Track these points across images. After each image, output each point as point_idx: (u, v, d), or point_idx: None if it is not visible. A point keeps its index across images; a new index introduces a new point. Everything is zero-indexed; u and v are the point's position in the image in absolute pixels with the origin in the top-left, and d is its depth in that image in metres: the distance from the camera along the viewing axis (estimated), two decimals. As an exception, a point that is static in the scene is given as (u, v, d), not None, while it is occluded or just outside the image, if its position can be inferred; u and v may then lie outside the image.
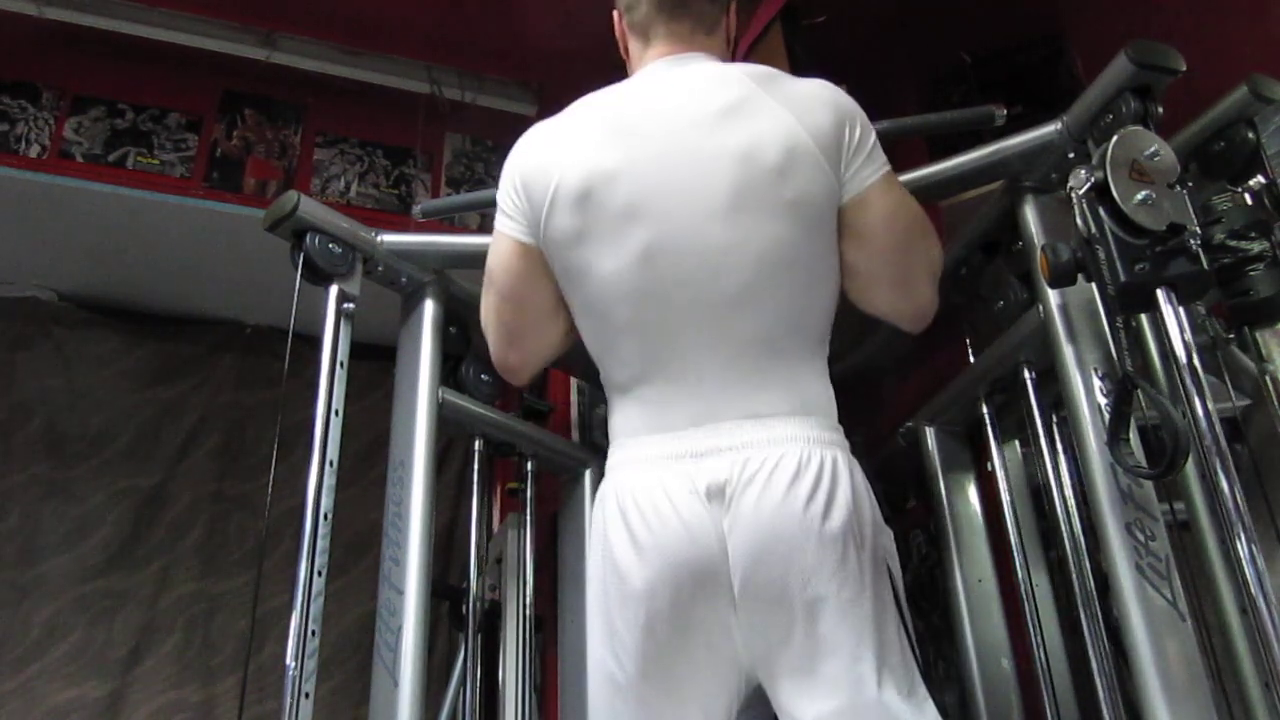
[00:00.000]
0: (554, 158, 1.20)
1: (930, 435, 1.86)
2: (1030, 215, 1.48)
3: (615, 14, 1.33)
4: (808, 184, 1.14)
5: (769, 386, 1.14)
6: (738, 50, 2.16)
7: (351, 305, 1.58)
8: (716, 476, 1.08)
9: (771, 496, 1.06)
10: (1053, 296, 1.39)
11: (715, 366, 1.14)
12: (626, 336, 1.19)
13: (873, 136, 1.20)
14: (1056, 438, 1.54)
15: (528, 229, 1.23)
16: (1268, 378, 1.37)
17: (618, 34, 1.34)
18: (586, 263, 1.18)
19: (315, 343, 1.52)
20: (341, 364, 1.52)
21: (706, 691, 1.10)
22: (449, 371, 1.76)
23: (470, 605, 1.81)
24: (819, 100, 1.18)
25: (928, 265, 1.24)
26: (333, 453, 1.46)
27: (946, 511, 1.80)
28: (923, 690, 1.09)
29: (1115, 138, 1.15)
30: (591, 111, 1.24)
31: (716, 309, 1.14)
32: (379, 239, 1.67)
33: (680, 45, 1.26)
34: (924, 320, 1.26)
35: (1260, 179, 1.39)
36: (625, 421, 1.20)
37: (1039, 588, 1.65)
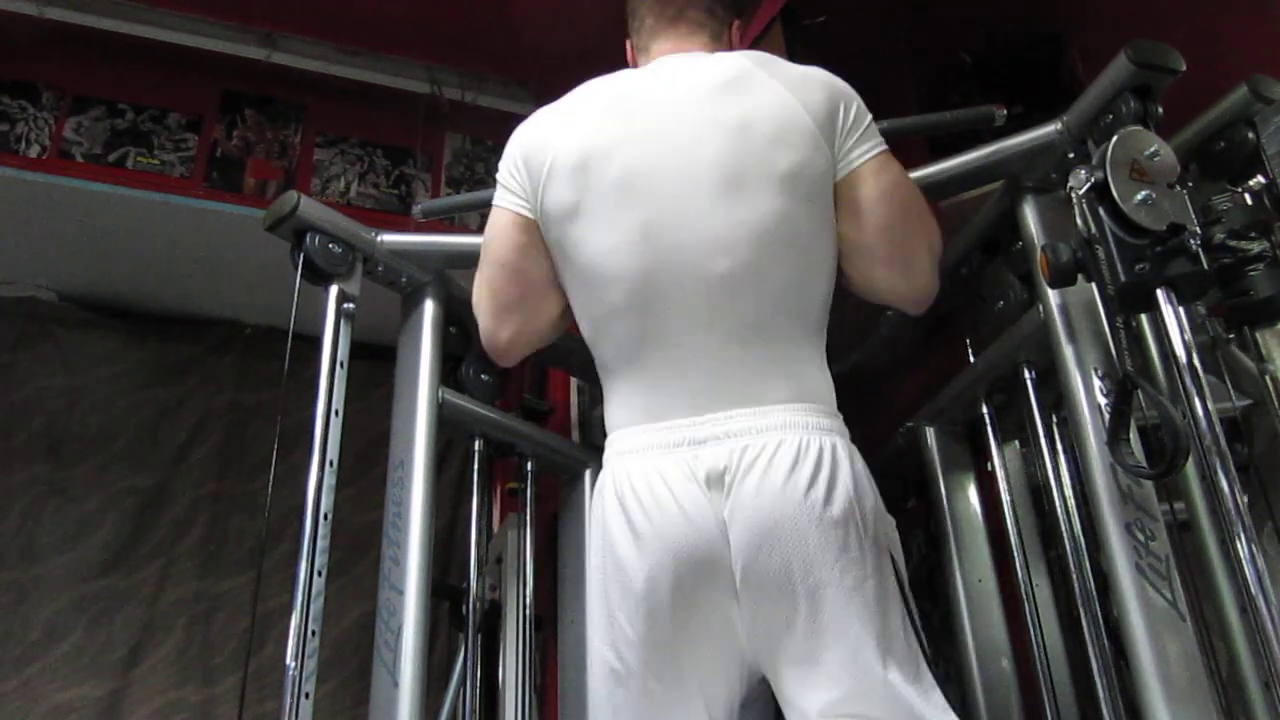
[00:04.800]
0: (553, 132, 1.23)
1: (930, 435, 1.86)
2: (1030, 215, 1.48)
3: (628, 43, 1.37)
4: (804, 157, 1.14)
5: (766, 372, 1.13)
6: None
7: (351, 305, 1.58)
8: (715, 464, 1.08)
9: (772, 483, 1.06)
10: (1053, 296, 1.38)
11: (711, 351, 1.14)
12: (620, 318, 1.18)
13: (868, 118, 1.21)
14: (1056, 438, 1.54)
15: (526, 202, 1.24)
16: (1268, 378, 1.37)
17: (630, 58, 1.38)
18: (581, 238, 1.19)
19: (315, 343, 1.52)
20: (341, 364, 1.52)
21: (709, 682, 1.09)
22: (449, 371, 1.75)
23: (470, 605, 1.81)
24: (815, 80, 1.20)
25: (927, 243, 1.24)
26: (333, 453, 1.46)
27: (946, 511, 1.80)
28: (929, 677, 1.08)
29: (1115, 138, 1.15)
30: (592, 91, 1.27)
31: (713, 290, 1.13)
32: (379, 239, 1.67)
33: (680, 45, 1.29)
34: (924, 302, 1.26)
35: (1260, 179, 1.39)
36: (620, 410, 1.20)
37: (1039, 588, 1.65)
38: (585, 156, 1.17)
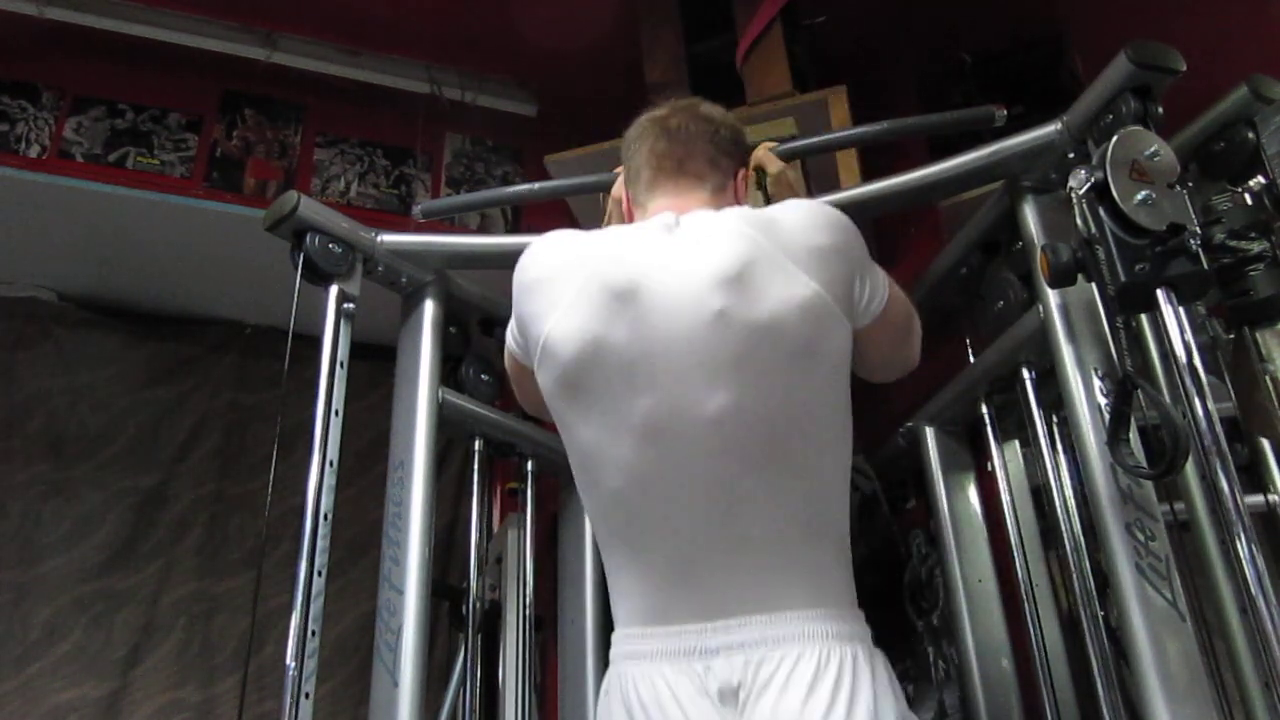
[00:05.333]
0: (544, 309, 1.12)
1: (930, 435, 1.86)
2: (1030, 215, 1.49)
3: (624, 194, 1.30)
4: (828, 342, 1.09)
5: (781, 574, 1.06)
6: (737, 50, 2.17)
7: (351, 305, 1.58)
8: (729, 679, 1.02)
9: (789, 707, 0.99)
10: (1053, 296, 1.39)
11: (721, 553, 1.06)
12: (621, 509, 1.11)
13: (866, 251, 1.15)
14: (1056, 438, 1.55)
15: (525, 357, 1.19)
16: (1268, 378, 1.37)
17: (625, 211, 1.31)
18: (577, 421, 1.12)
19: (315, 343, 1.52)
20: (341, 364, 1.52)
21: None
22: (449, 371, 1.76)
23: (470, 605, 1.81)
24: (827, 249, 1.10)
25: (916, 341, 1.26)
26: (333, 453, 1.46)
27: (946, 511, 1.81)
28: None
29: (1115, 138, 1.15)
30: (585, 262, 1.12)
31: (722, 493, 1.06)
32: (379, 239, 1.67)
33: (679, 202, 1.19)
34: (905, 374, 1.29)
35: (1260, 179, 1.39)
36: (625, 604, 1.13)
37: (1039, 588, 1.65)
38: (579, 351, 1.08)
